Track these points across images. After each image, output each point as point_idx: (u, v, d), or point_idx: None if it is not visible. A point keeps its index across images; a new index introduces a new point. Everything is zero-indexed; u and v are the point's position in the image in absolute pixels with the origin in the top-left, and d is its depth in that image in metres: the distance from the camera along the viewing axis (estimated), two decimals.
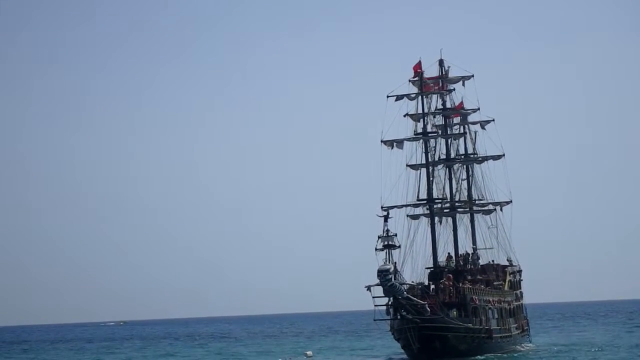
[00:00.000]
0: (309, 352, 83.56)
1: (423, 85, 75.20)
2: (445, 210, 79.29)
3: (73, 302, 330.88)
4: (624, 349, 76.17)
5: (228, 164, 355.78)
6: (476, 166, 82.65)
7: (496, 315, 75.94)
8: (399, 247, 67.02)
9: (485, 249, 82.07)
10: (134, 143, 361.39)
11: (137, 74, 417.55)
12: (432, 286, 72.91)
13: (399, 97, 75.12)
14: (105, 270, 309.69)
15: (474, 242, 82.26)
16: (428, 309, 67.66)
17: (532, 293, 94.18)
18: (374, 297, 66.55)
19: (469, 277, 75.64)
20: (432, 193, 75.16)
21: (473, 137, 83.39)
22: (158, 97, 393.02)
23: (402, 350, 71.37)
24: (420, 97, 75.13)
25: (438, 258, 75.47)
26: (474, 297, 72.49)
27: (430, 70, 77.83)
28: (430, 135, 75.65)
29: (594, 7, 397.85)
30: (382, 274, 64.88)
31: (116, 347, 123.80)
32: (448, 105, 79.79)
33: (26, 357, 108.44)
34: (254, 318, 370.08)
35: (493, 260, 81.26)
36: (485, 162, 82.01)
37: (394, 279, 65.28)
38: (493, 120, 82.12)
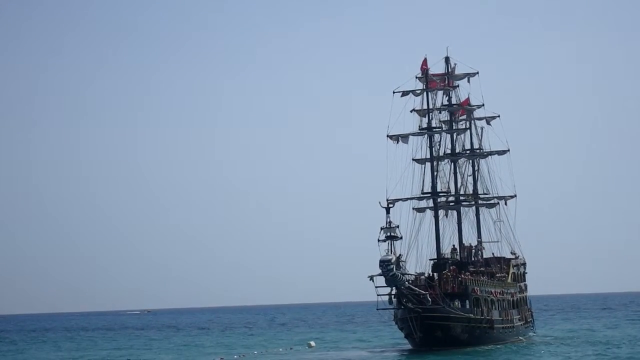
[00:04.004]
0: (312, 343, 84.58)
1: (429, 81, 76.98)
2: (450, 204, 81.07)
3: (101, 292, 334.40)
4: (625, 341, 77.45)
5: (235, 162, 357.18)
6: (481, 161, 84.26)
7: (498, 307, 77.50)
8: (401, 238, 68.36)
9: (490, 242, 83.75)
10: (143, 138, 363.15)
11: (145, 61, 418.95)
12: (436, 277, 74.63)
13: (404, 93, 76.95)
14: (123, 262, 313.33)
15: (479, 235, 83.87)
16: (429, 298, 69.40)
17: (540, 286, 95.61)
18: (376, 287, 68.30)
19: (472, 269, 77.28)
20: (436, 186, 76.96)
21: (479, 132, 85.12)
22: (162, 89, 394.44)
23: (405, 340, 73.22)
24: (425, 93, 76.96)
25: (444, 250, 77.34)
26: (475, 288, 74.15)
27: (437, 68, 79.73)
28: (434, 130, 77.40)
29: (599, 3, 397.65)
30: (384, 264, 66.56)
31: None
32: (453, 101, 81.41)
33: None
34: (252, 308, 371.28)
35: (494, 253, 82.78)
36: (490, 156, 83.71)
37: (396, 270, 66.96)
38: (498, 116, 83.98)
